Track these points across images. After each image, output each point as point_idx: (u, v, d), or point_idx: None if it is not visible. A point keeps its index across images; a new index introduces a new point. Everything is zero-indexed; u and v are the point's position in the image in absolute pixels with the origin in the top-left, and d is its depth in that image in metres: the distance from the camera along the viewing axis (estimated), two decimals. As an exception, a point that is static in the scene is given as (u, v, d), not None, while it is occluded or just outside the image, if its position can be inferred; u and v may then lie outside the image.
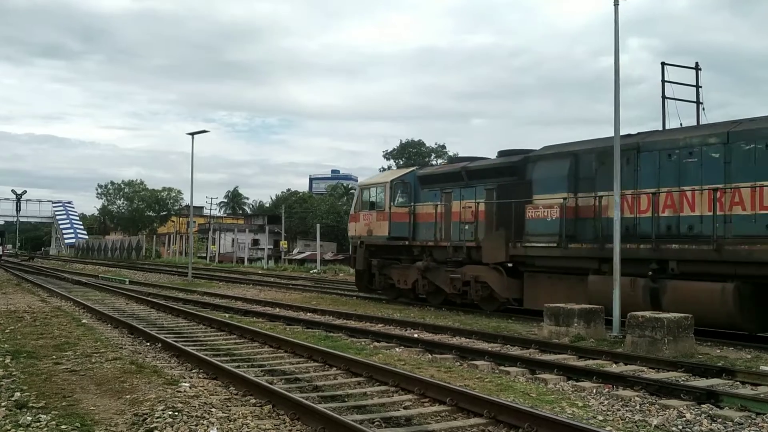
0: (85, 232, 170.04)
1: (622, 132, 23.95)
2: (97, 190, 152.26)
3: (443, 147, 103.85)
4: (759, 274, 21.42)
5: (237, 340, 20.73)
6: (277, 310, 29.03)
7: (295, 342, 19.01)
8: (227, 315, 27.02)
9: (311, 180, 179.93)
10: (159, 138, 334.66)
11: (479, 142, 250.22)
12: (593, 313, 22.08)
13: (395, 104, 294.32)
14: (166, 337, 19.95)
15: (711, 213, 22.76)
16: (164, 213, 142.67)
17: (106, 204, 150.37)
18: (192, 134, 53.23)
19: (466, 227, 29.63)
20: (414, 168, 34.52)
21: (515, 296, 28.09)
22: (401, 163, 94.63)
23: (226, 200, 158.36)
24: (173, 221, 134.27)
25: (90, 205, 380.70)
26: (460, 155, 75.00)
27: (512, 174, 28.21)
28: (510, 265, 28.09)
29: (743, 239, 21.80)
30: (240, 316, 26.98)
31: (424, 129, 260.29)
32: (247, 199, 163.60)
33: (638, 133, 26.08)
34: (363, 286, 36.27)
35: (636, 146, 25.01)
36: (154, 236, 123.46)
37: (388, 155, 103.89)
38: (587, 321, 21.85)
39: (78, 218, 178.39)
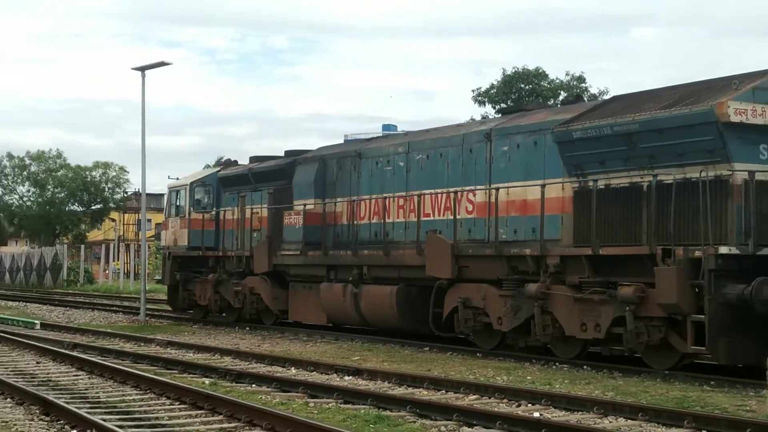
0: None
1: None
2: None
3: (580, 80, 61.17)
4: (412, 277, 23.21)
5: (225, 425, 12.81)
6: (294, 371, 18.46)
7: (326, 428, 11.84)
8: (208, 381, 16.94)
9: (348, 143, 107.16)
10: (86, 78, 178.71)
11: (645, 68, 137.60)
12: None
13: (495, 7, 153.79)
14: (104, 421, 12.39)
15: (401, 219, 24.22)
16: (98, 206, 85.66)
17: (0, 193, 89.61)
18: (142, 69, 33.25)
19: (255, 235, 29.52)
20: (218, 169, 33.34)
21: (282, 308, 28.37)
22: (503, 109, 54.75)
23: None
24: (114, 220, 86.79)
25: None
26: (610, 93, 53.11)
27: (283, 177, 28.70)
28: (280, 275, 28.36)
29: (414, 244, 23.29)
30: (229, 382, 16.77)
31: (545, 50, 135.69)
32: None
33: (370, 139, 27.14)
34: (176, 305, 33.82)
35: (358, 153, 26.03)
36: (83, 246, 72.31)
37: (482, 97, 61.16)
38: None
39: None
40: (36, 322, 30.24)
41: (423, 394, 15.36)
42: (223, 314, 31.85)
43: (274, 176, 29.23)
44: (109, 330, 27.93)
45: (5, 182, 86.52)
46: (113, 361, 19.53)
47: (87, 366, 18.57)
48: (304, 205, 26.89)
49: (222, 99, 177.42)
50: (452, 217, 22.22)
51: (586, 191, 18.68)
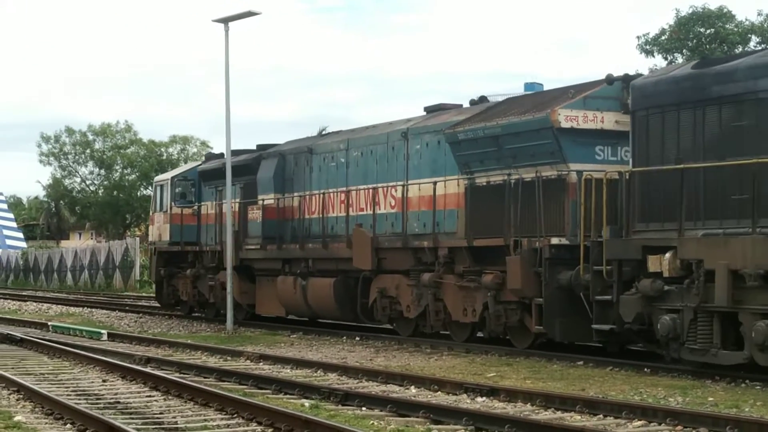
0: (21, 236, 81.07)
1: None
2: (39, 147, 75.15)
3: None
4: (347, 269, 24.69)
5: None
6: (413, 390, 15.37)
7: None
8: (308, 403, 14.06)
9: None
10: (160, 36, 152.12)
11: None
12: None
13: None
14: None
15: (342, 214, 25.56)
16: None
17: (59, 175, 75.72)
18: (225, 21, 28.27)
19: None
20: (201, 162, 34.18)
21: (250, 302, 29.46)
22: (678, 59, 48.46)
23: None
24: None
25: (27, 177, 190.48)
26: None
27: (251, 173, 29.82)
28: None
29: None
30: (334, 404, 13.95)
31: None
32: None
33: (321, 135, 28.86)
34: (162, 301, 34.57)
35: (310, 149, 27.56)
36: (158, 239, 61.71)
37: (649, 45, 51.06)
38: None
39: (5, 208, 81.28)
40: (103, 331, 26.49)
41: (575, 419, 12.65)
42: (204, 310, 32.66)
43: (244, 171, 30.24)
44: (189, 341, 24.00)
45: (65, 162, 73.20)
46: (194, 379, 16.62)
47: (162, 384, 15.62)
48: (263, 200, 28.40)
49: (325, 57, 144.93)
50: (378, 212, 23.82)
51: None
